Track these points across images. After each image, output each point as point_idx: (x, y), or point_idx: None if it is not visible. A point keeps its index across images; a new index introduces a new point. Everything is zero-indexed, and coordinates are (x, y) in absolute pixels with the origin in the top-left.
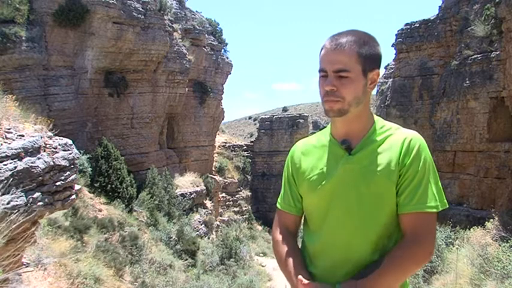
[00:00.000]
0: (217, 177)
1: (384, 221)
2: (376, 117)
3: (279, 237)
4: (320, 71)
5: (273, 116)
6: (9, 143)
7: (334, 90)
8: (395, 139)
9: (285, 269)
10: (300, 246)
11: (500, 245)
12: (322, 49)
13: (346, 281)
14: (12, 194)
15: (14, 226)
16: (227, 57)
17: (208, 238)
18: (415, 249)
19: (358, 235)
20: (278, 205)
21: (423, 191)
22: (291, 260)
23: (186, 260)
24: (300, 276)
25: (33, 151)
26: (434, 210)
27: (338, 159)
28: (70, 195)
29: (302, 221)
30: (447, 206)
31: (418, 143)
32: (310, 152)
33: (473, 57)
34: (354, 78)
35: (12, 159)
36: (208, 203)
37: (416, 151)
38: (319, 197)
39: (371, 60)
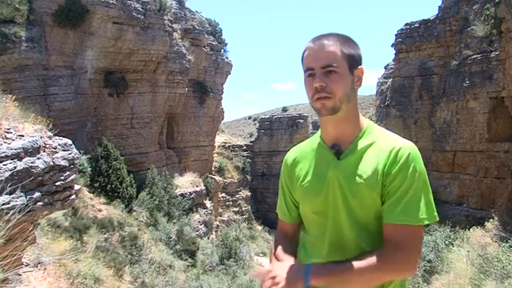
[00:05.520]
0: (217, 177)
1: (375, 235)
2: (368, 122)
3: (275, 241)
4: (306, 70)
5: (273, 116)
6: (9, 143)
7: (324, 86)
8: (384, 147)
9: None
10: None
11: (500, 245)
12: (305, 51)
13: (315, 263)
14: (11, 194)
15: (13, 225)
16: (227, 57)
17: (208, 238)
18: (395, 255)
19: (353, 249)
20: (277, 212)
21: (409, 201)
22: (276, 251)
23: (186, 260)
24: (278, 251)
25: (32, 151)
26: (419, 223)
27: (328, 165)
28: (70, 195)
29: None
30: (437, 220)
31: (407, 152)
32: (302, 159)
33: (472, 57)
34: (342, 73)
35: (12, 159)
36: (208, 203)
37: (404, 161)
38: (312, 204)
39: (355, 58)
